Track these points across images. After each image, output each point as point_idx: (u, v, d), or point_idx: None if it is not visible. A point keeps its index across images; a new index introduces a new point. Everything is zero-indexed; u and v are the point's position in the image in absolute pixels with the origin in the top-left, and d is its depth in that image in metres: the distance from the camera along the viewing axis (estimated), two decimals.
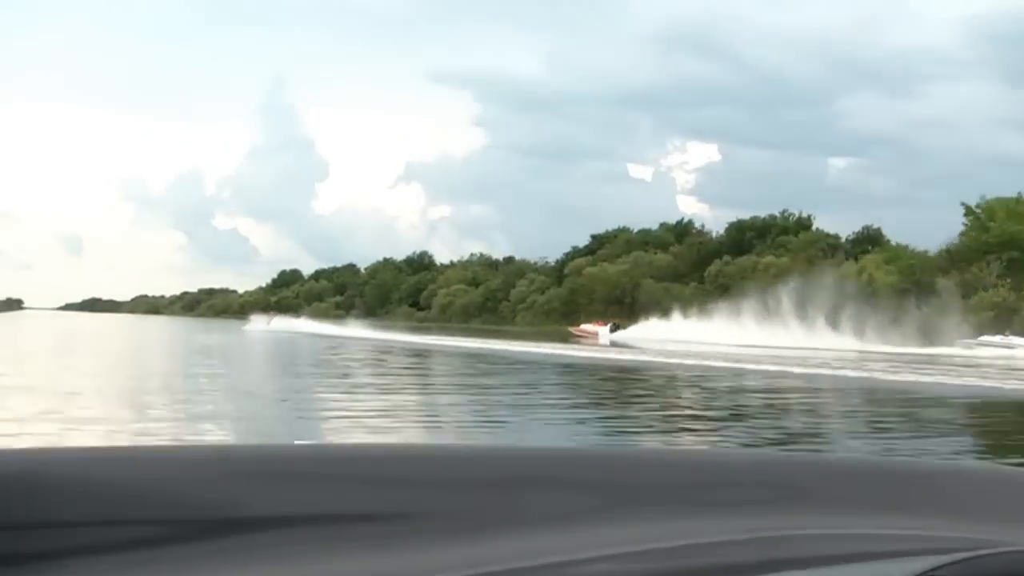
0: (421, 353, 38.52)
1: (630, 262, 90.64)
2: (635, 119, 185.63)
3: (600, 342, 55.63)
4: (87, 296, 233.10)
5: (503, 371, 26.69)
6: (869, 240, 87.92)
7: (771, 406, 18.53)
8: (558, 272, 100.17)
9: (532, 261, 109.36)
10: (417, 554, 0.85)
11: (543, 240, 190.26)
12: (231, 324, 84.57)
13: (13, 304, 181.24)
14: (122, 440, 11.36)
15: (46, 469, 0.84)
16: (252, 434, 12.50)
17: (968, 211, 67.51)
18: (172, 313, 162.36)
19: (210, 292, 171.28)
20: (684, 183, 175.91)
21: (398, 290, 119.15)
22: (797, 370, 28.29)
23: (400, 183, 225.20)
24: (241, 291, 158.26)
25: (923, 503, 1.07)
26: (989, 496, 1.11)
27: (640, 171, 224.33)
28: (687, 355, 34.64)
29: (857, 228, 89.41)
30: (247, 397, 17.97)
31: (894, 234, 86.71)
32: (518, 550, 0.87)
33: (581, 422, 15.30)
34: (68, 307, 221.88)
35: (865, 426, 15.35)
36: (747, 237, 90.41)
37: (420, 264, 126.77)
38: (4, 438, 10.32)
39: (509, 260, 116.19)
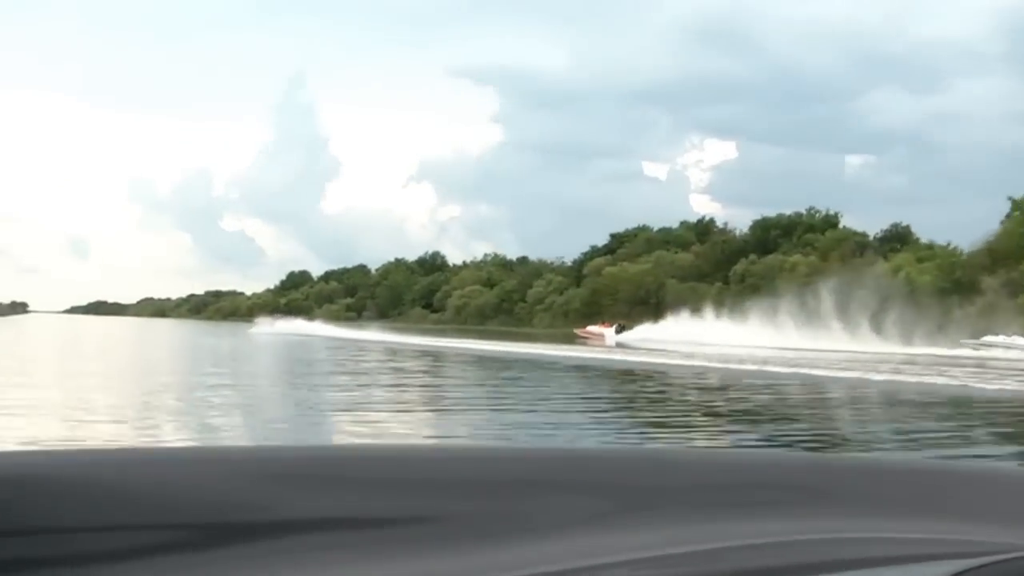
0: (433, 355, 36.67)
1: (652, 261, 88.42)
2: (653, 115, 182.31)
3: (606, 343, 54.18)
4: (93, 299, 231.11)
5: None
6: (898, 238, 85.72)
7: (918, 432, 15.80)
8: (576, 272, 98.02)
9: (549, 261, 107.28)
10: (430, 560, 0.84)
11: (554, 240, 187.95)
12: (239, 327, 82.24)
13: (18, 307, 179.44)
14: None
15: (45, 471, 0.83)
16: None
17: (1015, 205, 64.50)
18: (179, 316, 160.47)
19: (217, 294, 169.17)
20: (698, 182, 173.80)
21: (411, 291, 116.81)
22: (877, 376, 25.57)
23: (411, 182, 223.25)
24: (248, 293, 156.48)
25: (952, 505, 1.04)
26: (1021, 499, 1.08)
27: (655, 169, 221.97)
28: (744, 360, 32.01)
29: (878, 226, 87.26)
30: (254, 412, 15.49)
31: (919, 232, 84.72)
32: (534, 555, 0.85)
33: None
34: (74, 310, 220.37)
35: None
36: (772, 236, 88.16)
37: (432, 265, 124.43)
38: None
39: (523, 260, 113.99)
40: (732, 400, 19.61)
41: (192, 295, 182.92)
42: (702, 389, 23.12)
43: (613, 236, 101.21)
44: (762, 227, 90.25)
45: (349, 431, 13.39)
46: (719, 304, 64.61)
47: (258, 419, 14.74)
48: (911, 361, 33.44)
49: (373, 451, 1.09)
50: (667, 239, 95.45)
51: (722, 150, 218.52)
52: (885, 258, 74.37)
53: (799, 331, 52.60)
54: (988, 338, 46.51)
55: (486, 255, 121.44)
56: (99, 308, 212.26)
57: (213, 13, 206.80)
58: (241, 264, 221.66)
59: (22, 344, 44.91)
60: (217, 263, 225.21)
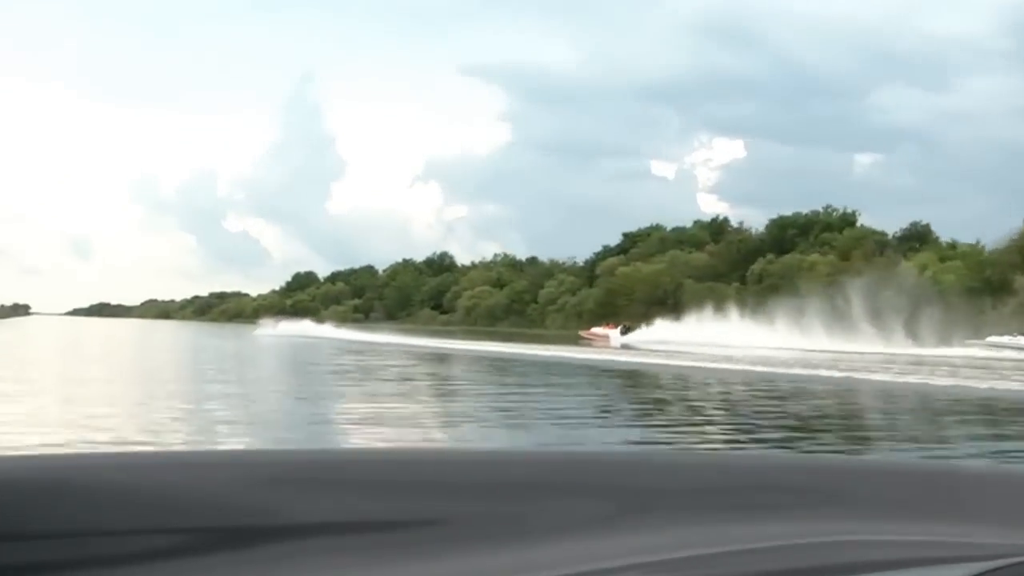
0: (442, 358, 35.37)
1: (666, 261, 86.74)
2: (662, 114, 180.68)
3: (611, 345, 53.25)
4: (95, 301, 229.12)
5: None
6: (917, 237, 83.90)
7: None
8: (588, 272, 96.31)
9: (560, 261, 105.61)
10: (434, 563, 0.84)
11: (561, 239, 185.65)
12: (243, 329, 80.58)
13: (20, 309, 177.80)
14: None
15: (50, 476, 0.83)
16: None
17: None
18: (183, 318, 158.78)
19: (221, 296, 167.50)
20: (706, 181, 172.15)
21: (419, 292, 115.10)
22: (941, 382, 23.78)
23: (418, 182, 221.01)
24: (254, 295, 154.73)
25: (959, 507, 1.02)
26: None
27: (663, 168, 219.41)
28: (790, 364, 30.19)
29: (889, 224, 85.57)
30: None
31: (934, 230, 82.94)
32: (537, 558, 0.85)
33: None
34: (76, 312, 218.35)
35: None
36: (788, 235, 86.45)
37: (441, 265, 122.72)
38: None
39: (532, 260, 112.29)
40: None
41: (196, 297, 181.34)
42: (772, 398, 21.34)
43: (626, 236, 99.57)
44: (779, 226, 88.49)
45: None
46: (741, 304, 62.87)
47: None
48: (969, 364, 31.67)
49: (378, 455, 1.09)
50: (681, 239, 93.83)
51: (730, 149, 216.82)
52: (905, 257, 72.71)
53: (829, 334, 50.73)
54: (992, 339, 44.74)
55: (495, 255, 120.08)
56: (102, 310, 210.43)
57: (220, 8, 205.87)
58: (246, 265, 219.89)
59: (26, 347, 43.53)
60: (221, 264, 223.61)
